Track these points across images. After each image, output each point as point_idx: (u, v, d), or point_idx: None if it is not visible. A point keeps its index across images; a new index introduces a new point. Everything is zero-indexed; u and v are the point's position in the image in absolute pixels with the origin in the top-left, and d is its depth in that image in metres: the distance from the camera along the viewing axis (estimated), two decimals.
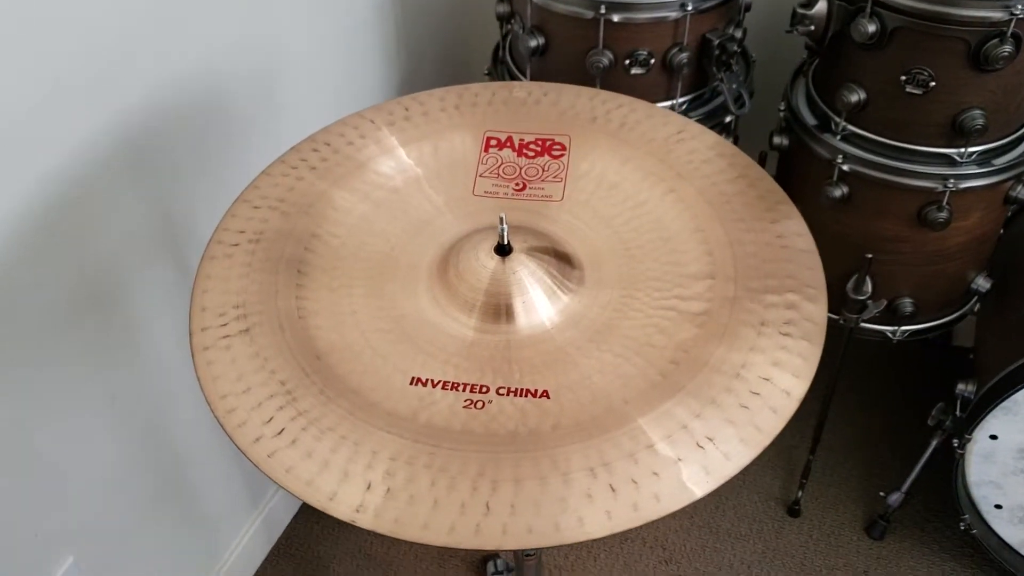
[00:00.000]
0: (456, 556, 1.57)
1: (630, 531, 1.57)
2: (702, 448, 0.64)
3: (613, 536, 1.55)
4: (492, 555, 1.56)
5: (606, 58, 1.19)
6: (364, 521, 0.63)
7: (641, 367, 0.71)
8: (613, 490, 0.62)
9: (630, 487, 0.62)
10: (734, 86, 1.29)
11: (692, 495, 0.61)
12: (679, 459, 0.63)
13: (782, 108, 1.33)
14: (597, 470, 0.63)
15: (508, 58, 1.37)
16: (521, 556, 0.94)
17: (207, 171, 1.19)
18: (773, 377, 0.68)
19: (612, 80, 1.22)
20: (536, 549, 0.90)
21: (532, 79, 1.29)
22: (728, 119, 1.31)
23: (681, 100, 1.28)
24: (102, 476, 1.14)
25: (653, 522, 1.67)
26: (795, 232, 0.79)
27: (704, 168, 0.86)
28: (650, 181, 0.85)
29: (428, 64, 1.65)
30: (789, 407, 0.66)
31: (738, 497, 1.65)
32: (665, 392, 0.68)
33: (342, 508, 0.63)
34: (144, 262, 1.13)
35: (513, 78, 1.35)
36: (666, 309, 0.75)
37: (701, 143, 0.88)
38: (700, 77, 1.29)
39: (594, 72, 1.20)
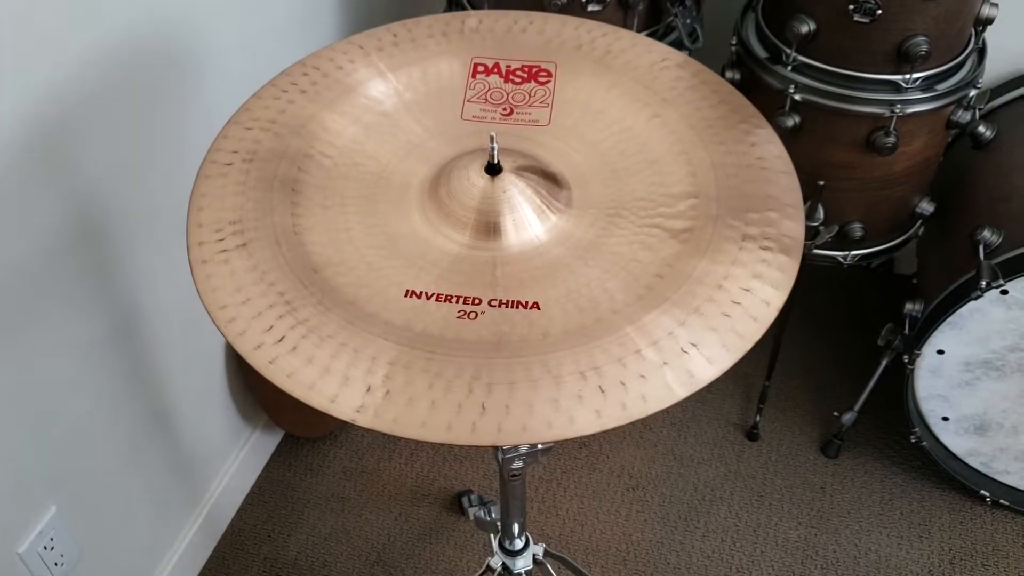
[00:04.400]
0: (429, 495, 1.61)
1: (597, 460, 1.65)
2: (686, 353, 0.67)
3: (581, 466, 1.64)
4: (466, 490, 1.60)
5: None
6: (364, 420, 0.65)
7: (627, 281, 0.74)
8: (603, 391, 0.66)
9: (618, 388, 0.66)
10: (688, 21, 1.32)
11: (676, 395, 0.65)
12: (664, 363, 0.67)
13: (733, 42, 1.37)
14: (587, 373, 0.67)
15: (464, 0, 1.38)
16: (507, 476, 0.98)
17: (180, 108, 1.19)
18: (754, 288, 0.71)
19: (571, 15, 1.23)
20: (521, 468, 0.94)
21: None
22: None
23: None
24: (82, 424, 1.14)
25: (619, 450, 1.74)
26: (774, 155, 0.82)
27: (688, 95, 0.88)
28: (635, 107, 0.88)
29: (381, 5, 1.65)
30: (768, 315, 0.69)
31: (699, 424, 1.72)
32: (651, 303, 0.71)
33: (343, 409, 0.66)
34: (122, 202, 1.13)
35: None
36: (651, 227, 0.78)
37: (685, 71, 0.90)
38: (654, 13, 1.33)
39: (552, 8, 1.21)
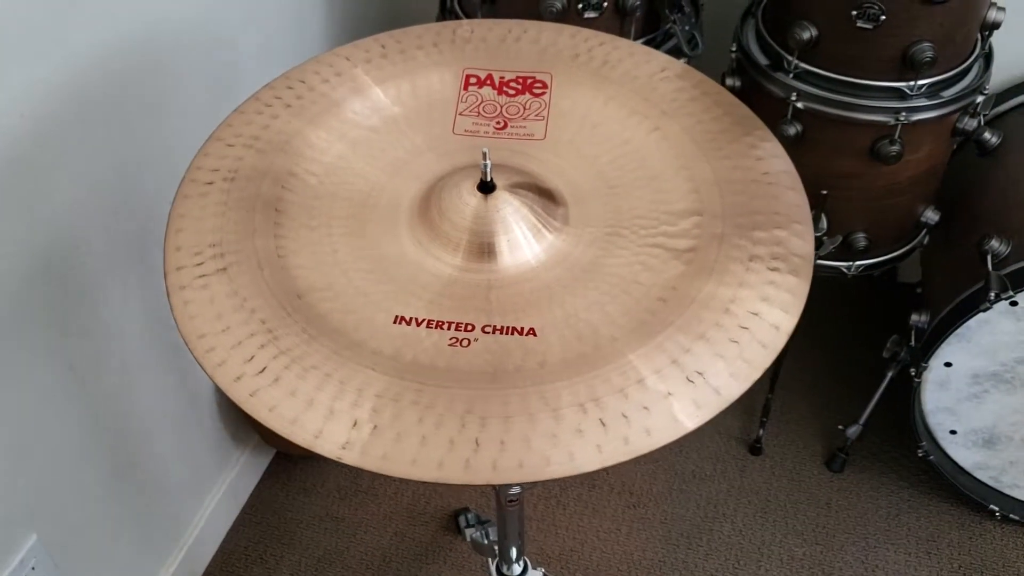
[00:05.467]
0: (425, 513, 1.57)
1: (597, 477, 1.61)
2: (692, 382, 0.63)
3: (581, 483, 1.60)
4: (463, 509, 1.56)
5: (559, 2, 1.17)
6: (350, 458, 0.62)
7: (628, 305, 0.70)
8: (604, 424, 0.62)
9: (620, 422, 0.62)
10: (686, 28, 1.28)
11: (683, 428, 0.61)
12: (669, 393, 0.63)
13: (733, 49, 1.34)
14: (587, 405, 0.63)
15: (456, 6, 1.34)
16: (504, 502, 0.94)
17: (157, 126, 1.15)
18: (762, 312, 0.67)
19: (567, 23, 1.21)
20: (519, 494, 0.90)
21: None
22: (681, 61, 1.31)
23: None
24: (62, 450, 1.11)
25: (619, 467, 1.70)
26: (781, 170, 0.78)
27: (689, 106, 0.85)
28: (635, 119, 0.84)
29: (373, 13, 1.61)
30: (778, 341, 0.66)
31: (700, 439, 1.67)
32: (654, 328, 0.67)
33: (328, 446, 0.62)
34: (98, 224, 1.09)
35: None
36: (652, 247, 0.74)
37: (686, 81, 0.87)
38: (652, 20, 1.29)
39: (548, 16, 1.18)
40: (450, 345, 0.69)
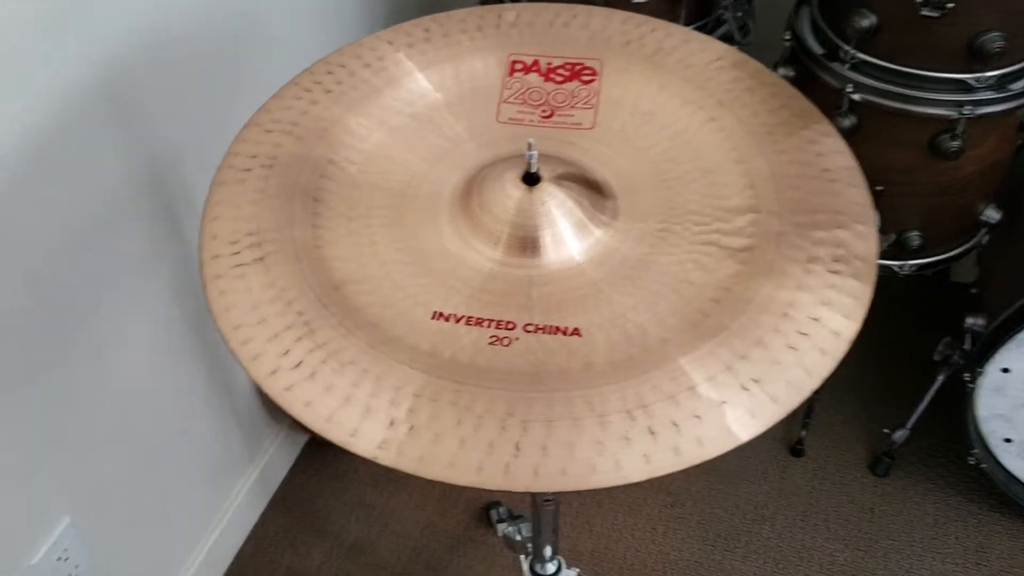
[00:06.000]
0: (457, 505, 1.55)
1: None
2: (747, 390, 0.60)
3: None
4: (495, 503, 1.54)
5: None
6: (386, 459, 0.59)
7: (679, 305, 0.67)
8: (652, 433, 0.59)
9: (671, 430, 0.59)
10: (739, 14, 1.24)
11: (737, 439, 0.58)
12: (723, 401, 0.60)
13: (787, 37, 1.29)
14: (635, 412, 0.60)
15: None
16: (540, 501, 0.91)
17: (190, 112, 1.13)
18: (823, 317, 0.64)
19: (616, 8, 1.17)
20: (557, 493, 0.87)
21: None
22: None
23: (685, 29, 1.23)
24: (96, 434, 1.10)
25: None
26: (843, 166, 0.74)
27: (746, 97, 0.81)
28: (689, 109, 0.80)
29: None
30: (840, 348, 0.62)
31: None
32: (707, 332, 0.64)
33: (363, 445, 0.60)
34: (134, 209, 1.08)
35: None
36: (706, 244, 0.71)
37: (743, 71, 0.83)
38: (703, 5, 1.25)
39: (597, 1, 1.14)
40: (490, 343, 0.66)
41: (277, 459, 1.56)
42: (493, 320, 0.68)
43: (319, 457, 1.62)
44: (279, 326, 0.66)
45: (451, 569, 1.47)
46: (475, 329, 0.67)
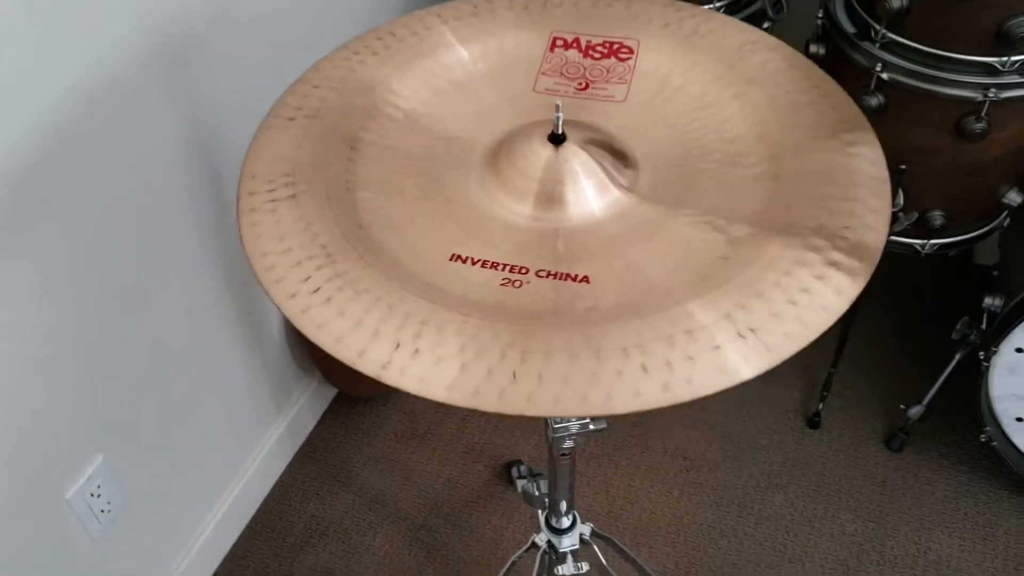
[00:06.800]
0: (479, 461, 1.58)
1: (650, 440, 1.59)
2: (743, 338, 0.61)
3: (634, 444, 1.57)
4: (516, 461, 1.56)
5: None
6: (390, 377, 0.62)
7: (688, 259, 0.68)
8: (645, 370, 0.60)
9: (663, 369, 0.60)
10: None
11: (728, 380, 0.59)
12: (717, 345, 0.61)
13: (820, 15, 1.30)
14: (631, 350, 0.61)
15: None
16: (556, 454, 0.93)
17: (239, 78, 1.19)
18: (827, 275, 0.64)
19: None
20: (571, 448, 0.88)
21: None
22: (765, 26, 1.27)
23: (718, 5, 1.25)
24: (134, 376, 1.15)
25: (675, 432, 1.65)
26: (867, 157, 0.75)
27: (776, 77, 0.82)
28: (718, 84, 0.82)
29: None
30: (840, 306, 0.62)
31: (758, 409, 1.64)
32: (711, 283, 0.65)
33: (369, 364, 0.62)
34: (182, 163, 1.13)
35: None
36: (722, 207, 0.72)
37: (777, 54, 0.84)
38: None
39: None
40: (502, 285, 0.68)
41: (306, 411, 1.60)
42: (508, 265, 0.70)
43: (346, 411, 1.66)
44: (303, 255, 0.70)
45: (470, 523, 1.50)
46: (489, 271, 0.70)
